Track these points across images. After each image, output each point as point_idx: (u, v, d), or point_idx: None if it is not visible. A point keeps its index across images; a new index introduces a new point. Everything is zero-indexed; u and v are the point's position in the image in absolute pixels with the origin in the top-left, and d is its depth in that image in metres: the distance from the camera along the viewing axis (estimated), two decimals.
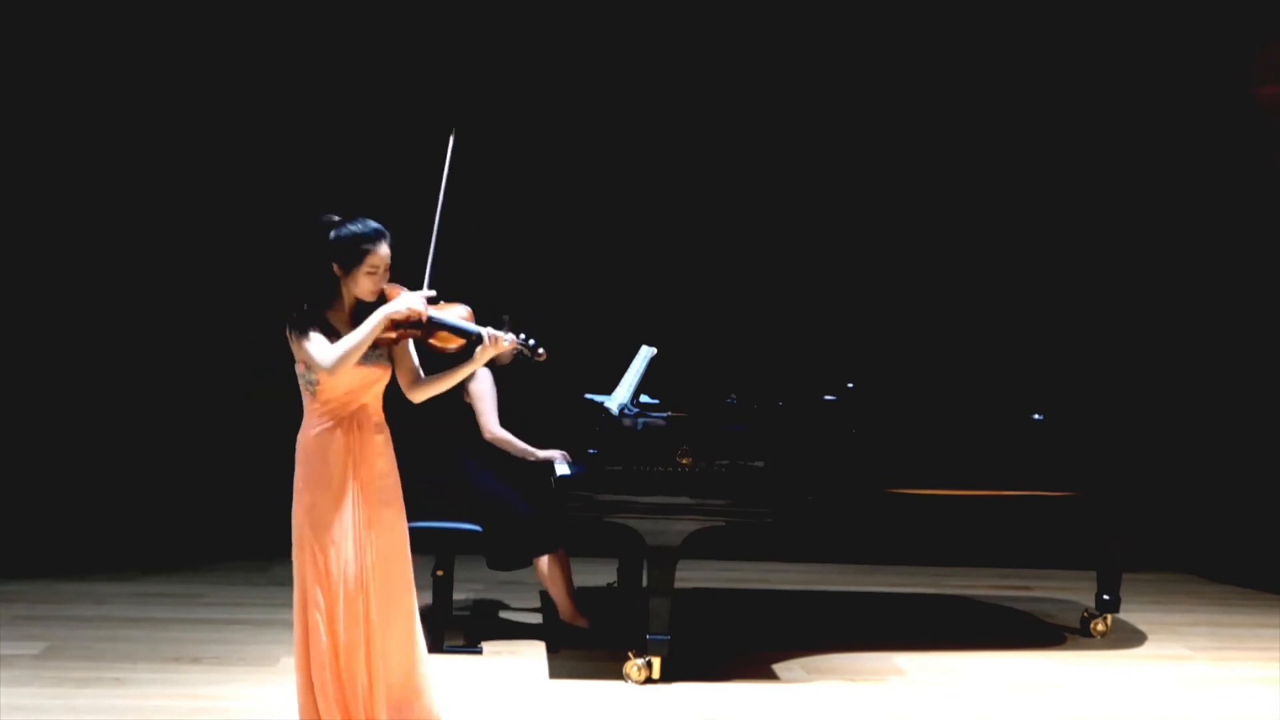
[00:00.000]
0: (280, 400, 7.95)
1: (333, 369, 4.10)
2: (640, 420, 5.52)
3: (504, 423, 5.95)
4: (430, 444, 5.72)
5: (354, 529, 4.19)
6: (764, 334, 8.18)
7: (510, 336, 4.29)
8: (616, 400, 5.79)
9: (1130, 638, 6.43)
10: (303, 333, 4.13)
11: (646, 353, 5.85)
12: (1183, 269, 8.74)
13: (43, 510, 7.95)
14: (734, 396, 6.05)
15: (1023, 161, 8.65)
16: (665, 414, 5.66)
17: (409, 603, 4.31)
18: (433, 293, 4.27)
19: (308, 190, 8.20)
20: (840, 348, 7.87)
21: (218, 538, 7.85)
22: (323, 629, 4.19)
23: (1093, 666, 5.94)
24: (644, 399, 5.91)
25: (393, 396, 4.38)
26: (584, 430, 5.96)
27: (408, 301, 4.15)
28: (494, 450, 5.91)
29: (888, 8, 8.55)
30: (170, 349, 8.36)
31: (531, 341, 4.35)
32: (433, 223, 4.40)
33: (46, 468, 8.15)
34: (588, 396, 6.24)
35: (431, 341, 4.25)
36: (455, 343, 4.25)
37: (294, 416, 4.32)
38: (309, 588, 4.23)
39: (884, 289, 8.50)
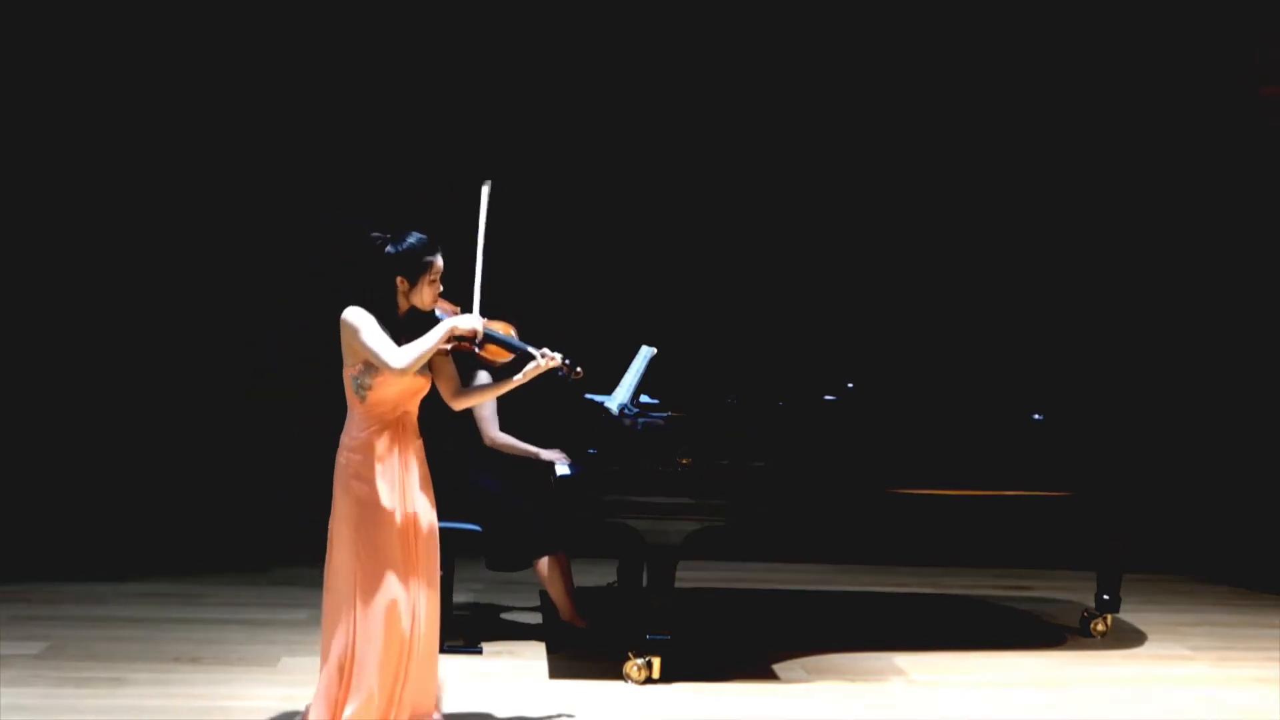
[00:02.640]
0: (281, 401, 8.04)
1: (404, 370, 4.32)
2: (640, 420, 5.52)
3: (505, 423, 5.94)
4: (430, 444, 5.73)
5: (405, 522, 4.42)
6: (764, 334, 8.18)
7: (557, 356, 4.53)
8: (616, 400, 5.79)
9: (1130, 638, 6.43)
10: (373, 335, 4.35)
11: (646, 353, 5.85)
12: (1183, 269, 8.74)
13: (43, 510, 7.95)
14: (734, 396, 6.04)
15: (1023, 162, 8.66)
16: (665, 414, 5.66)
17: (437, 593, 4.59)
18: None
19: (308, 192, 8.23)
20: (840, 348, 7.87)
21: (218, 538, 7.85)
22: (404, 616, 4.37)
23: (1093, 666, 5.94)
24: (644, 399, 5.91)
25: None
26: (584, 430, 5.95)
27: (471, 321, 4.44)
28: (494, 452, 5.90)
29: (887, 8, 8.55)
30: (171, 350, 8.36)
31: (569, 360, 4.59)
32: (475, 260, 4.58)
33: (47, 468, 8.15)
34: (588, 396, 6.24)
35: (482, 354, 4.53)
36: (505, 357, 4.56)
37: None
38: (369, 580, 4.36)
39: (884, 289, 8.50)
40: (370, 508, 4.38)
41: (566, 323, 7.86)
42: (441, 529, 5.63)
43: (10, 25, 8.03)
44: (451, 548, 5.73)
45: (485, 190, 4.58)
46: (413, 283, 4.43)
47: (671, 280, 8.26)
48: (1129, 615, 6.59)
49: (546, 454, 5.90)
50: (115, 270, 8.34)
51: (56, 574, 6.91)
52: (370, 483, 4.38)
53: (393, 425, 4.44)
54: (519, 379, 4.59)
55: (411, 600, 4.39)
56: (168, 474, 8.27)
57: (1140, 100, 8.69)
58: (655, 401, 5.95)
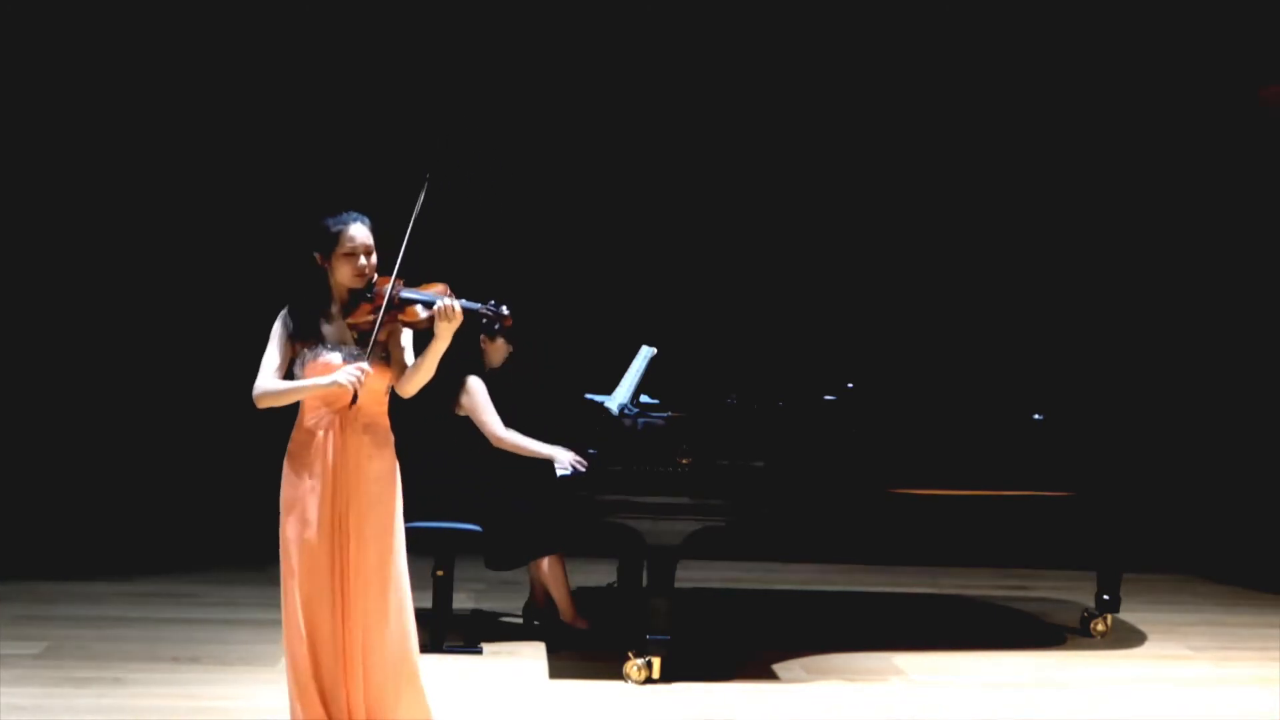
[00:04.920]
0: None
1: (255, 400, 4.09)
2: (640, 420, 5.52)
3: (508, 424, 5.91)
4: (431, 445, 5.72)
5: (331, 529, 4.09)
6: (764, 334, 8.18)
7: (461, 303, 4.08)
8: (616, 400, 5.78)
9: (1130, 638, 6.43)
10: (268, 351, 4.13)
11: (646, 353, 5.85)
12: (1183, 269, 8.74)
13: (42, 511, 7.95)
14: (734, 396, 6.04)
15: (1023, 162, 8.65)
16: (665, 414, 5.66)
17: (399, 604, 4.19)
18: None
19: (306, 193, 8.21)
20: (840, 348, 7.87)
21: (216, 538, 7.85)
22: (302, 626, 4.09)
23: (1093, 666, 5.94)
24: (644, 399, 5.91)
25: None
26: (584, 430, 5.95)
27: (344, 375, 3.99)
28: (494, 451, 5.85)
29: (887, 8, 8.55)
30: (170, 349, 8.36)
31: (492, 302, 4.17)
32: (399, 250, 4.17)
33: (46, 468, 8.15)
34: (588, 396, 6.23)
35: (401, 318, 4.12)
36: (420, 317, 4.10)
37: (293, 417, 4.30)
38: (287, 583, 4.12)
39: (884, 289, 8.50)
40: (292, 505, 4.08)
41: (567, 323, 7.91)
42: (441, 529, 5.65)
43: (11, 27, 8.02)
44: (451, 548, 5.74)
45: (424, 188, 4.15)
46: (326, 257, 4.12)
47: (671, 280, 8.25)
48: (1129, 615, 6.59)
49: (558, 453, 5.82)
50: (114, 270, 8.34)
51: (56, 574, 6.91)
52: (296, 480, 4.09)
53: (330, 418, 4.09)
54: (438, 341, 4.09)
55: (336, 612, 4.06)
56: (167, 474, 8.27)
57: (1140, 100, 8.69)
58: (655, 401, 5.95)
